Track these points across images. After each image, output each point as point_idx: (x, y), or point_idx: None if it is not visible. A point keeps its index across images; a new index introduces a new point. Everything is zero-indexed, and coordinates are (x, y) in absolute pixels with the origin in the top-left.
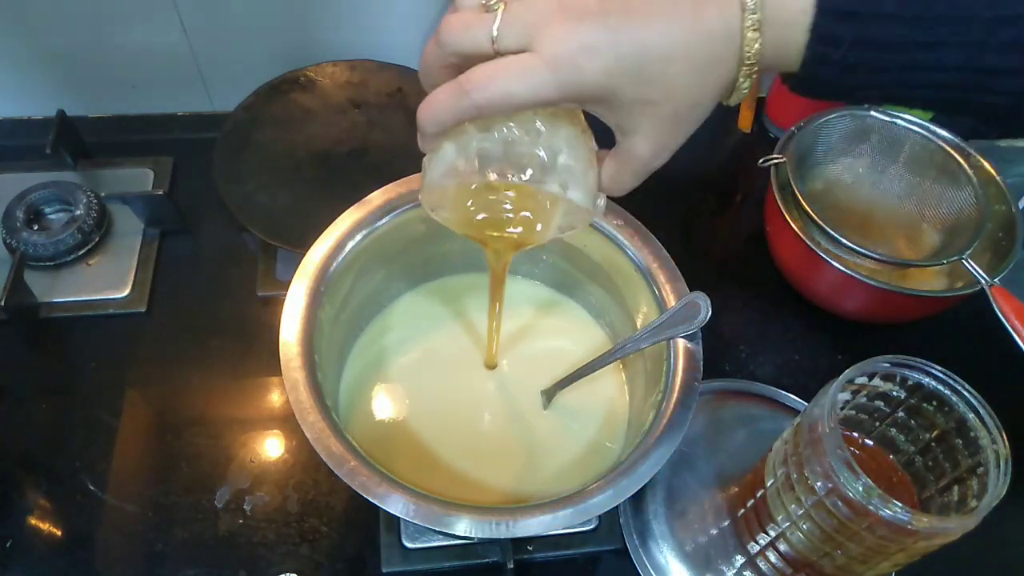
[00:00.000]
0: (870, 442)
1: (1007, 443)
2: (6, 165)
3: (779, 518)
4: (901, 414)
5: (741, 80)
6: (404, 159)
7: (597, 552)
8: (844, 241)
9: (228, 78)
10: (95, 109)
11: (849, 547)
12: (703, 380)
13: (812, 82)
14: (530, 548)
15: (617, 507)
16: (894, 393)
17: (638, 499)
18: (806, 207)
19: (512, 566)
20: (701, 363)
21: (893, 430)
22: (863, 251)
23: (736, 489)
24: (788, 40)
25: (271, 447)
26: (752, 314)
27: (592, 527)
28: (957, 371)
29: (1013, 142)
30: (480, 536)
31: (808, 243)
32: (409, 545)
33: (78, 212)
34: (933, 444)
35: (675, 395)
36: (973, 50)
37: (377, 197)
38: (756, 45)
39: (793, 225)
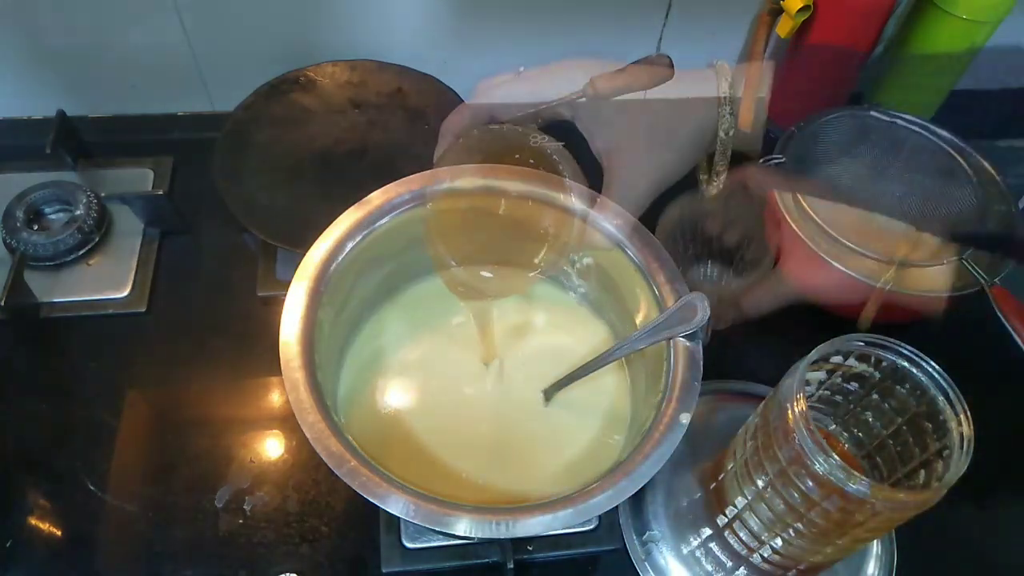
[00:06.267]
0: (834, 426)
1: (971, 424)
2: (6, 165)
3: (745, 490)
4: (875, 396)
5: None
6: (404, 159)
7: (597, 552)
8: (844, 241)
9: (228, 78)
10: (95, 109)
11: (812, 519)
12: (703, 380)
13: None
14: (530, 548)
15: (617, 507)
16: (867, 373)
17: (638, 499)
18: (806, 207)
19: (512, 566)
20: (701, 363)
21: (868, 413)
22: (863, 251)
23: (709, 464)
24: None
25: (271, 447)
26: None
27: (592, 527)
28: (957, 371)
29: (1013, 142)
30: (480, 536)
31: (808, 243)
32: (409, 545)
33: (78, 212)
34: (904, 428)
35: (675, 395)
36: None
37: (377, 197)
38: None
39: (793, 225)
